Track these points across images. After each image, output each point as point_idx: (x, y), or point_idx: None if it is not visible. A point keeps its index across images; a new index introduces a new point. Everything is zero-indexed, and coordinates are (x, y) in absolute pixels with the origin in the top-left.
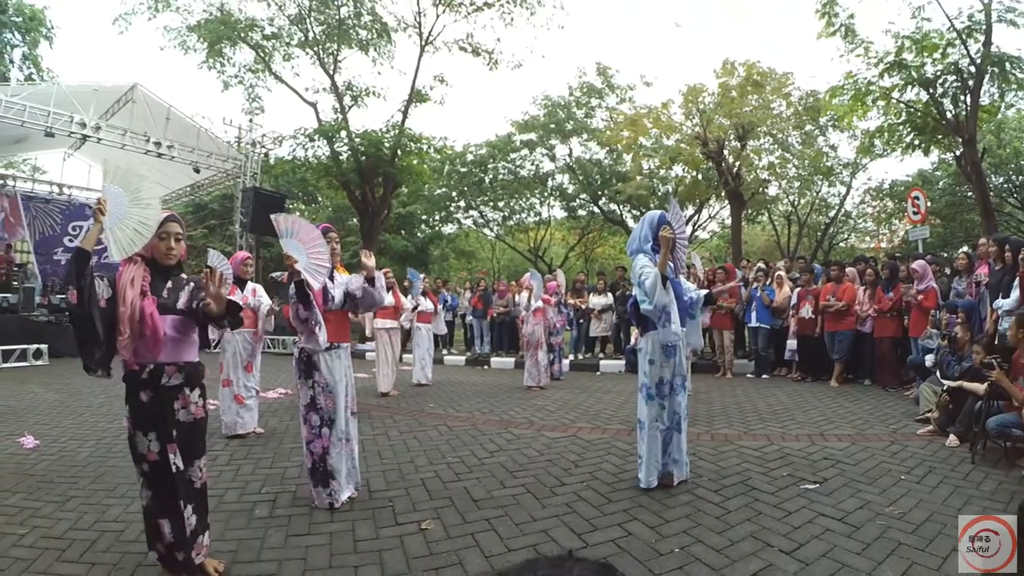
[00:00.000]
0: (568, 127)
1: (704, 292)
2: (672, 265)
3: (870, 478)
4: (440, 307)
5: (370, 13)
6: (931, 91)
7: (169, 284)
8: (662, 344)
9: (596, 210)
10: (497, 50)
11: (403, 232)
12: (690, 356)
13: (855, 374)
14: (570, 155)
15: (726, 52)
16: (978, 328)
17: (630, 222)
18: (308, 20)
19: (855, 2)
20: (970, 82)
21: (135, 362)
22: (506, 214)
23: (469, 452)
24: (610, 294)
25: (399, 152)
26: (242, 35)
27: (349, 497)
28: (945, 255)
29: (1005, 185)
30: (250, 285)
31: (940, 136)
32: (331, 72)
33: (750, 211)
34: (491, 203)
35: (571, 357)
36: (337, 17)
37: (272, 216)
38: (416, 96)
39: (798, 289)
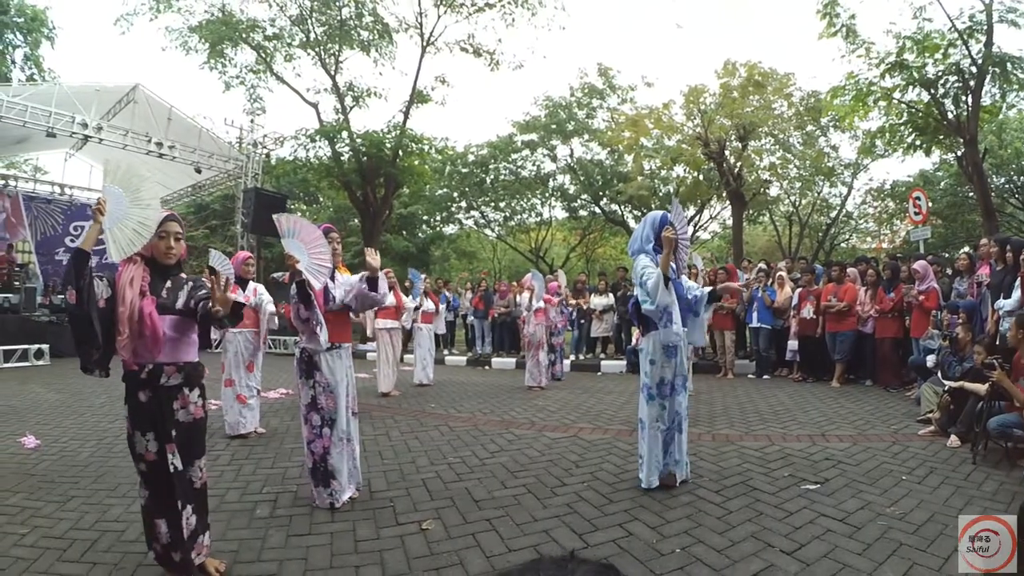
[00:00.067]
0: (569, 128)
1: (708, 289)
2: (674, 266)
3: (871, 479)
4: (442, 306)
5: (371, 14)
6: (932, 91)
7: (168, 284)
8: (663, 344)
9: (597, 211)
10: (498, 51)
11: (404, 232)
12: (691, 356)
13: (856, 375)
14: (571, 156)
15: (727, 53)
16: (979, 329)
17: (631, 223)
18: (309, 21)
19: (856, 2)
20: (971, 82)
21: (134, 362)
22: (507, 214)
23: (470, 452)
24: (611, 294)
25: (400, 153)
26: (243, 36)
27: (350, 497)
28: (946, 255)
29: (1006, 185)
30: (251, 285)
31: (941, 136)
32: (332, 73)
33: (751, 212)
34: (492, 204)
35: (572, 357)
36: (338, 18)
37: (274, 216)
38: (417, 97)
39: (799, 289)
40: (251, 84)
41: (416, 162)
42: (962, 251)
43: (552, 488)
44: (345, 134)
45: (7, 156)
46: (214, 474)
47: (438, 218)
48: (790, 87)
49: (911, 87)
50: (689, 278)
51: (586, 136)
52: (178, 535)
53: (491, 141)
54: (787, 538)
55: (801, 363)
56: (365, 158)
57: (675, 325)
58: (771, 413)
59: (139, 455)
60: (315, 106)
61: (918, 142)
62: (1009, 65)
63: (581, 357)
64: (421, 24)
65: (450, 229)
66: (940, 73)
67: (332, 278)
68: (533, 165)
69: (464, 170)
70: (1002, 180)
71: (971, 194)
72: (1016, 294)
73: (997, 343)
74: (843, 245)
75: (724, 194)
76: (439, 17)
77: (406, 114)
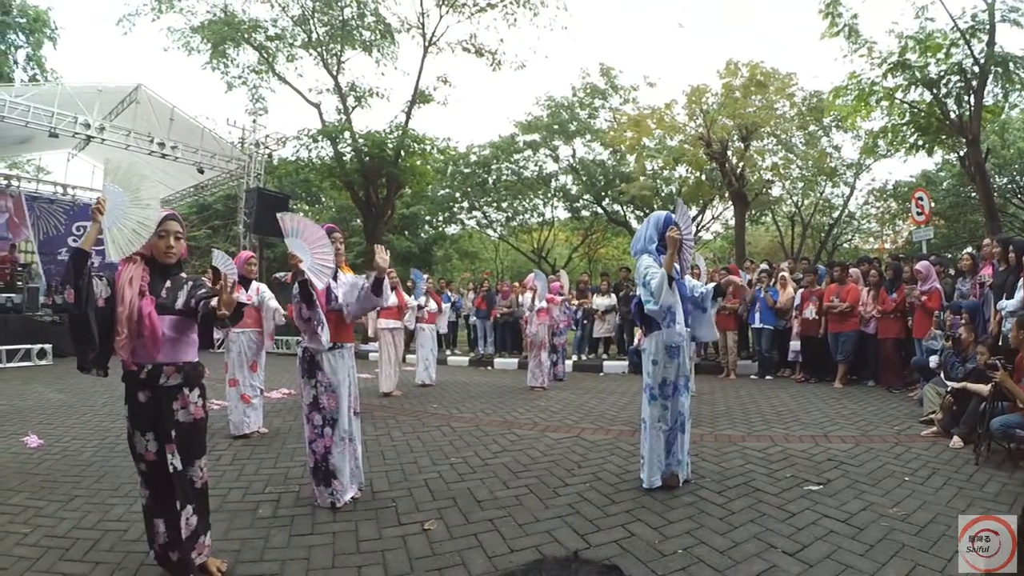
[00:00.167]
0: (571, 128)
1: (712, 285)
2: (678, 266)
3: (874, 479)
4: (447, 306)
5: (373, 14)
6: (935, 91)
7: (168, 284)
8: (666, 345)
9: (600, 211)
10: (500, 51)
11: (406, 233)
12: (693, 357)
13: (859, 375)
14: (573, 156)
15: (729, 52)
16: (982, 329)
17: (634, 223)
18: (311, 21)
19: (858, 2)
20: (974, 82)
21: (133, 362)
22: (509, 215)
23: (472, 453)
24: (614, 295)
25: (402, 153)
26: (246, 36)
27: (352, 497)
28: (949, 256)
29: (1009, 186)
30: (254, 284)
31: (944, 137)
32: (334, 73)
33: (754, 212)
34: (494, 204)
35: (574, 358)
36: (340, 18)
37: (278, 215)
38: (419, 97)
39: (802, 290)
40: (253, 84)
41: (418, 162)
42: (965, 252)
43: (554, 488)
44: (347, 134)
45: (10, 156)
46: (216, 474)
47: (440, 218)
48: (792, 87)
49: (913, 87)
50: (692, 277)
51: (588, 136)
52: (176, 535)
53: (493, 141)
54: (789, 539)
55: (803, 364)
56: (367, 158)
57: (678, 325)
58: (773, 414)
59: (139, 455)
60: (317, 106)
61: (920, 142)
62: (1011, 65)
63: (583, 357)
64: (423, 24)
65: (452, 229)
66: (942, 73)
67: (335, 278)
68: (535, 165)
69: (466, 170)
70: (1005, 180)
71: (974, 194)
72: (1019, 295)
73: (1000, 344)
74: (846, 245)
75: (726, 194)
76: (441, 17)
77: (408, 114)
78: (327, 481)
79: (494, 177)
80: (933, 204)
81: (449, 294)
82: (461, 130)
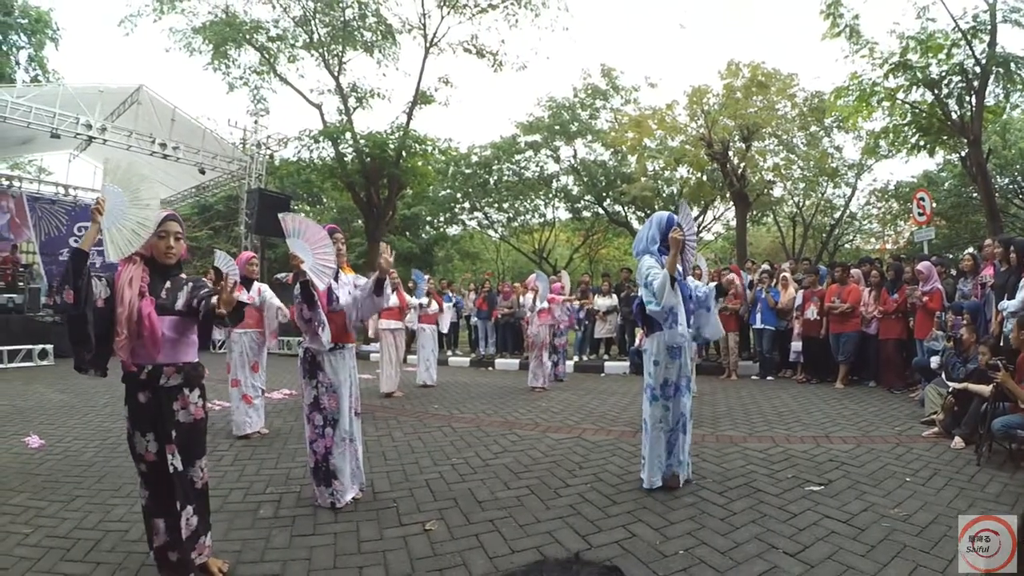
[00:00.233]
0: (573, 128)
1: (714, 284)
2: (680, 268)
3: (875, 480)
4: (450, 305)
5: (375, 15)
6: (936, 92)
7: (168, 284)
8: (668, 345)
9: (601, 211)
10: (501, 52)
11: (408, 233)
12: (695, 358)
13: (860, 376)
14: (575, 156)
15: (731, 53)
16: (983, 330)
17: (635, 223)
18: (313, 22)
19: (860, 3)
20: (975, 83)
21: (133, 363)
22: (511, 215)
23: (473, 453)
24: (615, 295)
25: (404, 153)
26: (247, 37)
27: (353, 498)
28: (950, 256)
29: (1010, 186)
30: (256, 285)
31: (945, 137)
32: (336, 74)
33: (755, 212)
34: (496, 204)
35: (576, 358)
36: (342, 19)
37: (279, 215)
38: (421, 98)
39: (803, 291)
40: (255, 85)
41: (419, 163)
42: (966, 252)
43: (555, 489)
44: (349, 135)
45: (12, 157)
46: (217, 474)
47: (441, 219)
48: (794, 87)
49: (915, 87)
50: (693, 278)
51: (589, 137)
52: (176, 535)
53: (494, 142)
54: (791, 540)
55: (805, 364)
56: (368, 159)
57: (680, 326)
58: (775, 414)
59: (139, 455)
60: (319, 107)
61: (922, 143)
62: (1013, 65)
63: (585, 358)
64: (424, 25)
65: (453, 230)
66: (944, 73)
67: (336, 279)
68: (536, 166)
69: (467, 171)
70: (1006, 181)
71: (975, 195)
72: (1020, 295)
73: (1001, 344)
74: (847, 246)
75: (728, 195)
76: (442, 18)
77: (409, 115)
78: (328, 481)
79: (495, 178)
80: (934, 204)
81: (450, 294)
82: (462, 131)
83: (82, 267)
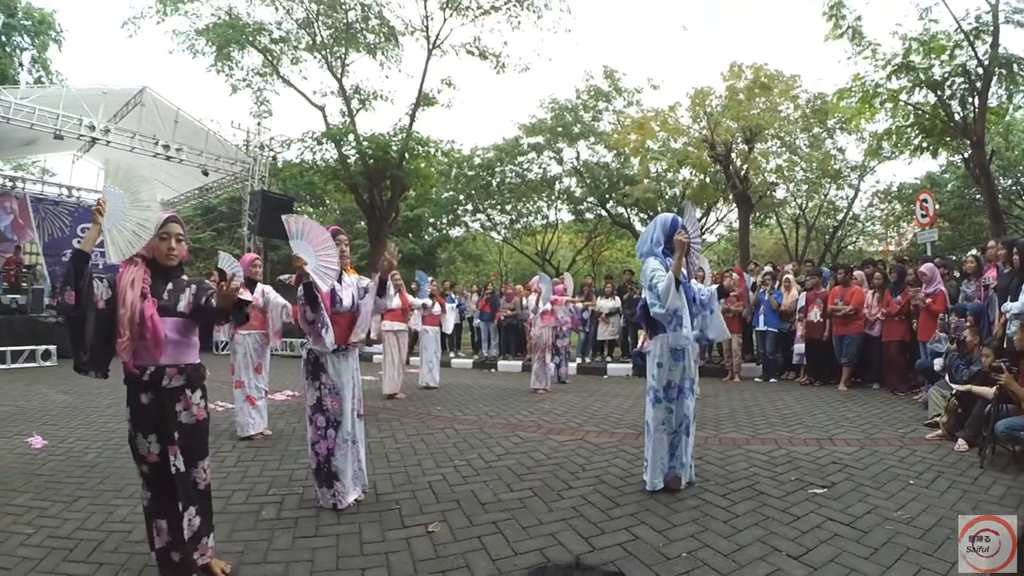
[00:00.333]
0: (575, 130)
1: (715, 286)
2: (685, 270)
3: (878, 483)
4: (453, 305)
5: (377, 17)
6: (939, 93)
7: (170, 286)
8: (671, 348)
9: (603, 213)
10: (504, 53)
11: (411, 235)
12: (697, 360)
13: (863, 378)
14: (577, 158)
15: (733, 54)
16: (987, 331)
17: (637, 225)
18: (316, 24)
19: (862, 4)
20: (978, 84)
21: (134, 364)
22: (513, 217)
23: (476, 455)
24: (617, 297)
25: (407, 155)
26: (250, 39)
27: (356, 499)
28: (954, 258)
29: (1013, 187)
30: (259, 287)
31: (948, 138)
32: (339, 76)
33: (758, 214)
34: (498, 206)
35: (578, 360)
36: (345, 21)
37: (283, 217)
38: (424, 99)
39: (806, 293)
40: (258, 87)
41: (422, 165)
42: (969, 254)
43: (558, 491)
44: (351, 137)
45: (15, 158)
46: (220, 476)
47: (444, 221)
48: (796, 89)
49: (917, 89)
50: (695, 280)
51: (592, 139)
52: (178, 536)
53: (497, 144)
54: (794, 542)
55: (808, 366)
56: (371, 161)
57: (684, 329)
58: (778, 417)
59: (141, 457)
60: (321, 109)
61: (925, 144)
62: (1015, 66)
63: (587, 360)
64: (427, 27)
65: (456, 232)
66: (946, 74)
67: (339, 280)
68: (539, 168)
69: (470, 173)
70: (1009, 182)
71: (978, 196)
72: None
73: (1004, 346)
74: (850, 248)
75: (731, 197)
76: (445, 20)
77: (412, 117)
78: (329, 483)
79: (498, 179)
80: (937, 206)
81: (453, 296)
82: (465, 133)
83: (83, 268)
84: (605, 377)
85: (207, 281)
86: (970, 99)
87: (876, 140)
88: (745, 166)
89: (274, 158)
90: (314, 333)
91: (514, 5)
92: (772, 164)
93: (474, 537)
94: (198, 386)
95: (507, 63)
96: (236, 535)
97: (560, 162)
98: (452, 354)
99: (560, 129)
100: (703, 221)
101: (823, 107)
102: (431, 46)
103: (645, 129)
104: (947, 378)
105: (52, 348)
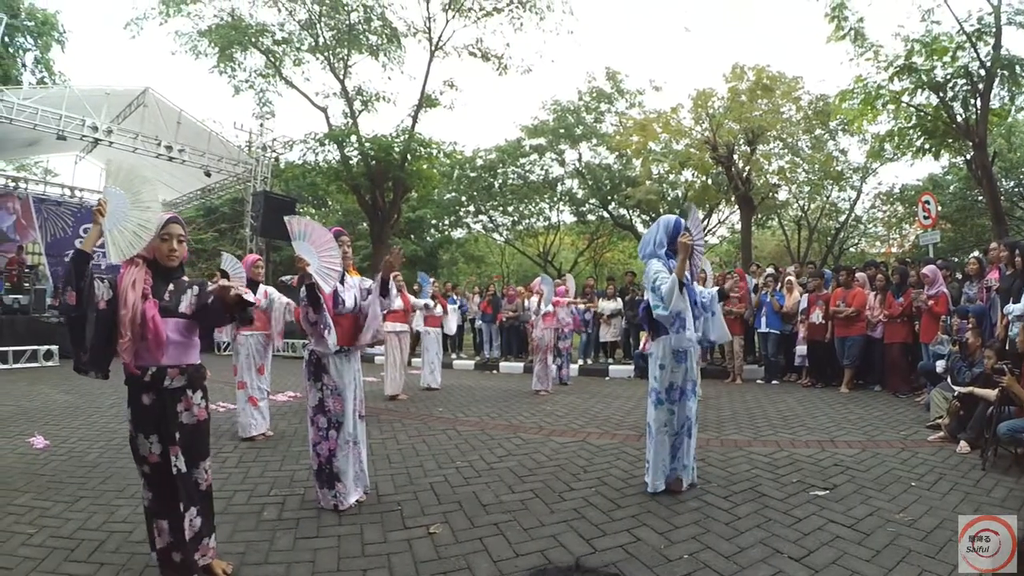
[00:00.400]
0: (577, 132)
1: (715, 289)
2: (689, 272)
3: (880, 485)
4: (455, 307)
5: (380, 19)
6: (941, 95)
7: (171, 287)
8: (674, 349)
9: (605, 215)
10: (507, 55)
11: (413, 236)
12: (699, 362)
13: (865, 380)
14: (579, 160)
15: (735, 55)
16: (989, 333)
17: (639, 227)
18: (318, 25)
19: (864, 6)
20: (980, 85)
21: (136, 365)
22: (515, 219)
23: (478, 456)
24: (619, 299)
25: (409, 157)
26: (253, 40)
27: (357, 501)
28: (956, 260)
29: (1016, 189)
30: (262, 288)
31: (950, 140)
32: (341, 77)
33: (760, 216)
34: (500, 208)
35: (580, 362)
36: (347, 23)
37: (286, 218)
38: (426, 101)
39: (808, 294)
40: (260, 88)
41: (424, 166)
42: (972, 255)
43: (560, 493)
44: (354, 138)
45: (18, 158)
46: (222, 476)
47: (446, 222)
48: (798, 91)
49: (920, 90)
50: (697, 282)
51: (594, 140)
52: (179, 536)
53: (499, 145)
54: (796, 544)
55: (810, 368)
56: (374, 162)
57: (688, 331)
58: (780, 419)
59: (142, 457)
60: (324, 110)
61: (927, 146)
62: (1018, 68)
63: (589, 362)
64: (429, 29)
65: (458, 233)
66: (949, 76)
67: (341, 282)
68: (541, 169)
69: (472, 174)
70: (1011, 184)
71: (980, 198)
72: None
73: (1007, 348)
74: (852, 249)
75: (733, 198)
76: (447, 22)
77: (414, 118)
78: (331, 484)
79: (500, 181)
80: (940, 208)
81: (455, 297)
82: (467, 134)
83: (84, 268)
84: (607, 379)
85: (207, 281)
86: (972, 101)
87: (878, 142)
88: (747, 168)
89: (276, 159)
90: (316, 334)
91: (516, 7)
92: (774, 166)
93: (475, 538)
94: (199, 386)
95: (509, 64)
96: (238, 536)
97: (562, 163)
98: (454, 355)
99: (562, 130)
100: (705, 223)
101: (825, 109)
102: (433, 47)
103: (647, 131)
104: (949, 380)
105: (54, 348)
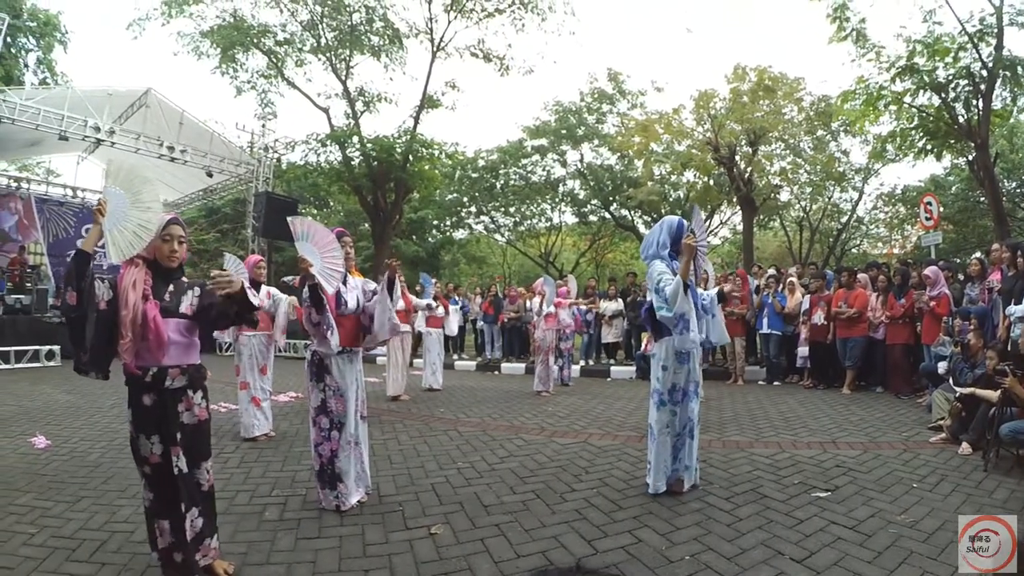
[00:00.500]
0: (579, 133)
1: (715, 291)
2: (692, 274)
3: (882, 486)
4: (457, 307)
5: (382, 19)
6: (943, 95)
7: (171, 288)
8: (676, 351)
9: (607, 216)
10: (508, 56)
11: (414, 237)
12: (702, 363)
13: (867, 381)
14: (581, 161)
15: (737, 57)
16: (991, 335)
17: (641, 228)
18: (320, 26)
19: (866, 6)
20: (982, 86)
21: (137, 365)
22: (517, 219)
23: (479, 457)
24: (621, 300)
25: (411, 157)
26: (255, 41)
27: (359, 501)
28: (958, 261)
29: (1018, 190)
30: (264, 288)
31: (952, 141)
32: (343, 78)
33: (762, 217)
34: (502, 208)
35: (582, 363)
36: (349, 23)
37: (288, 219)
38: (428, 102)
39: (810, 295)
40: (262, 89)
41: (426, 167)
42: (974, 256)
43: (561, 494)
44: (356, 139)
45: (20, 159)
46: (223, 477)
47: (448, 223)
48: (800, 91)
49: (922, 91)
50: (698, 283)
51: (596, 141)
52: (181, 536)
53: (501, 146)
54: (797, 546)
55: (812, 369)
56: (375, 163)
57: (692, 332)
58: (781, 420)
59: (143, 458)
60: (326, 111)
61: (929, 146)
62: (1020, 68)
63: (591, 362)
64: (431, 29)
65: (460, 234)
66: (950, 77)
67: (344, 282)
68: (543, 170)
69: (474, 175)
70: (1013, 185)
71: (982, 199)
72: None
73: (1009, 349)
74: (854, 250)
75: (735, 199)
76: (449, 22)
77: (416, 119)
78: (332, 484)
79: (502, 182)
80: (942, 209)
81: (457, 298)
82: (469, 135)
83: (84, 268)
84: (608, 380)
85: (207, 282)
86: (974, 101)
87: (880, 143)
88: (749, 169)
89: (278, 160)
90: (319, 335)
91: (518, 8)
92: (776, 167)
93: (477, 539)
94: (199, 387)
95: (511, 65)
96: (239, 536)
97: (564, 164)
98: (455, 356)
99: (564, 131)
100: (707, 224)
101: (827, 109)
102: (435, 48)
103: (649, 131)
104: (951, 381)
105: (56, 348)
